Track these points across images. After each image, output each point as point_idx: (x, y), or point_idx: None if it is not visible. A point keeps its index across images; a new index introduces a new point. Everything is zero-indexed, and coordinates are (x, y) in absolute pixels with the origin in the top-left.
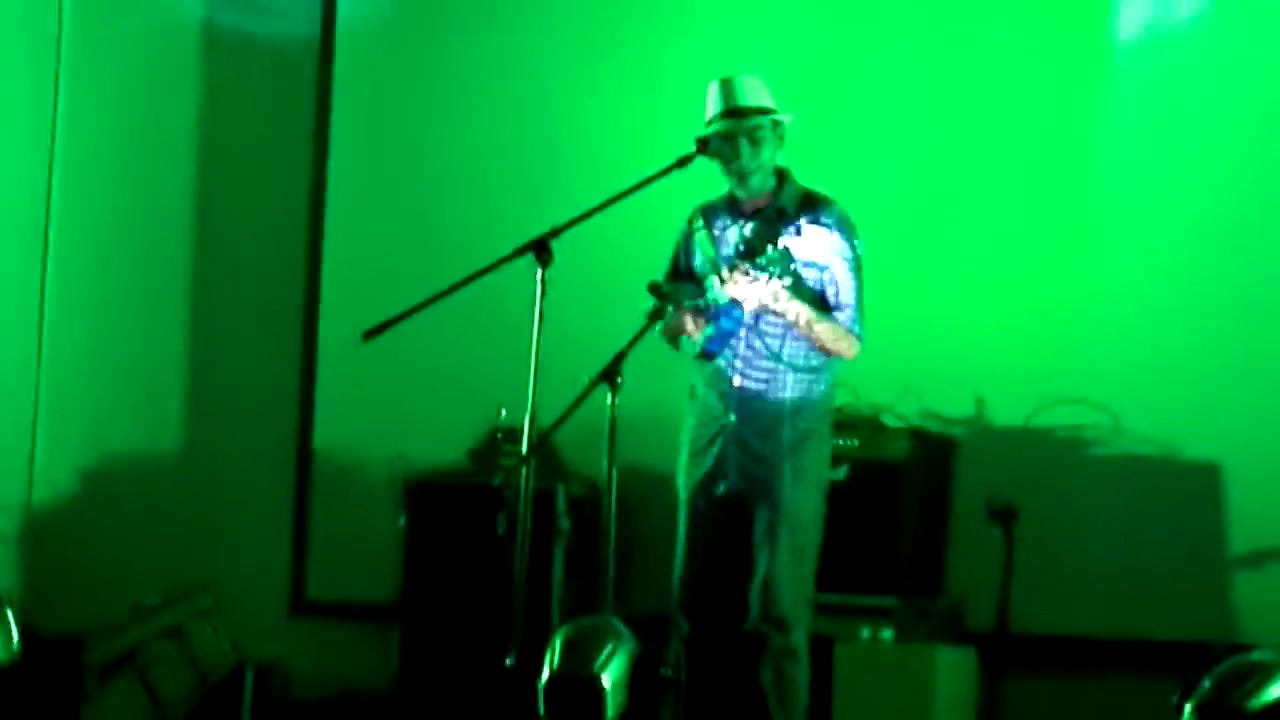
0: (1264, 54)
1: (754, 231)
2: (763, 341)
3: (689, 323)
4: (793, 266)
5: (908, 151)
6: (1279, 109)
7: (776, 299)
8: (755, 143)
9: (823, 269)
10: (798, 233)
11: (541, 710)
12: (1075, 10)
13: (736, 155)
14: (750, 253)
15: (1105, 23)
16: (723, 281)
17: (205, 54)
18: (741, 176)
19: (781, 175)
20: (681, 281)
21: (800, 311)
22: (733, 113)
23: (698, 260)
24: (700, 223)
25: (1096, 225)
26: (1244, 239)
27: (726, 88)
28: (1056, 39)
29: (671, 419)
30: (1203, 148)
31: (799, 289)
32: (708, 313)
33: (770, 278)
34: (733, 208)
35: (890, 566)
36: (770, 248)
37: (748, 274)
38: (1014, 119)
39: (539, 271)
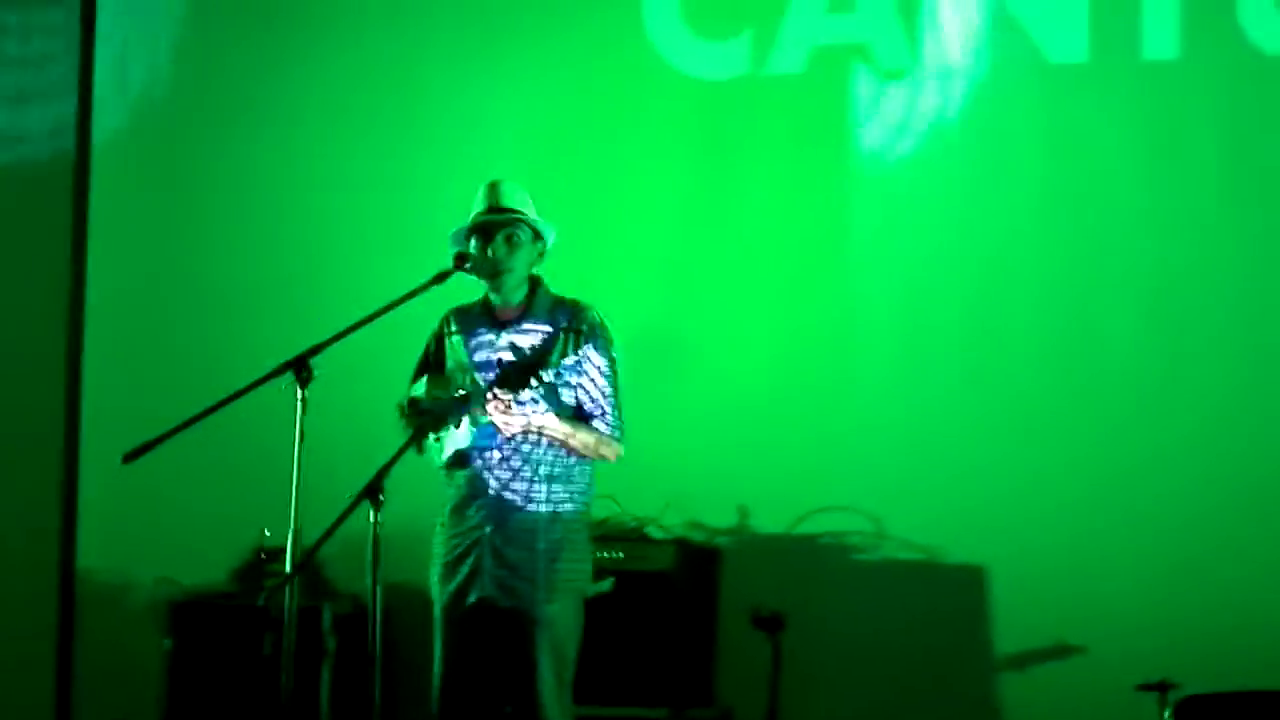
0: (1006, 152)
1: (514, 361)
2: (519, 453)
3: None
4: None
5: (666, 261)
6: (1023, 205)
7: (534, 424)
8: (511, 243)
9: (577, 376)
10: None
11: None
12: (823, 127)
13: (492, 253)
14: (507, 382)
15: (850, 136)
16: (482, 400)
17: None
18: (494, 275)
19: (534, 283)
20: (432, 378)
21: (558, 427)
22: (493, 211)
23: (449, 364)
24: (454, 326)
25: (852, 332)
26: (997, 339)
27: (492, 188)
28: (807, 156)
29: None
30: (952, 246)
31: (555, 404)
32: (460, 420)
33: (528, 408)
34: (488, 315)
35: (659, 678)
36: (532, 381)
37: (508, 406)
38: (769, 228)
39: (299, 390)
